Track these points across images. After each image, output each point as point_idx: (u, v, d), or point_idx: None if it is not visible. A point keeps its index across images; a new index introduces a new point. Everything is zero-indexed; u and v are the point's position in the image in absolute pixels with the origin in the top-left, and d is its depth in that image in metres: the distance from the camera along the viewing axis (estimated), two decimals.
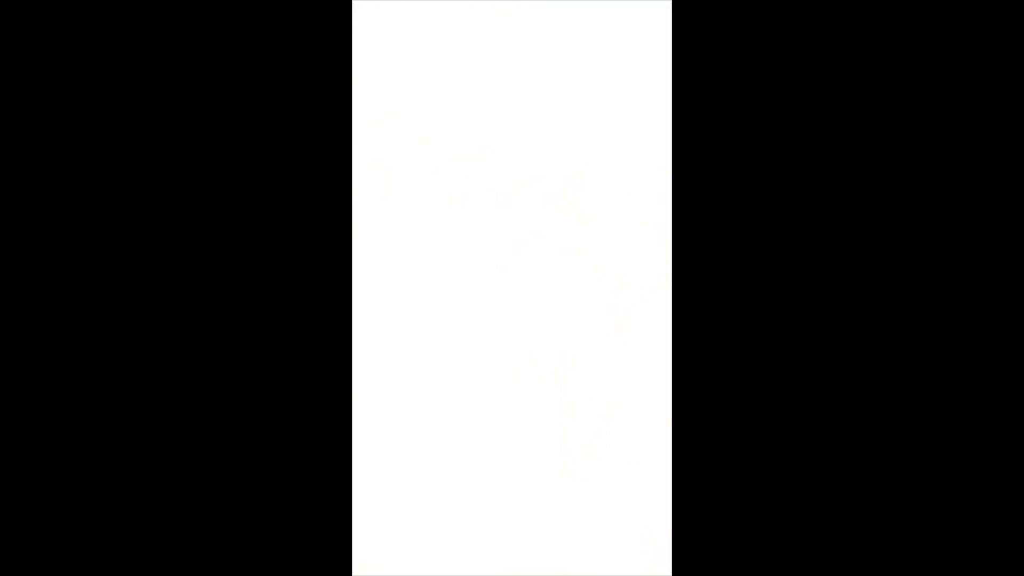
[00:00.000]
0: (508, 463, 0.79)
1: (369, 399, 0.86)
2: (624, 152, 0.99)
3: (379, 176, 1.00)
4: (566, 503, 0.72)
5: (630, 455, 0.76)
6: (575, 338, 0.80)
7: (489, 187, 1.06)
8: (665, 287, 0.64)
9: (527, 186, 0.80)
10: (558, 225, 0.76)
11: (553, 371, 0.79)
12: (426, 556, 0.63)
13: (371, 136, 0.96)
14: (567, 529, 0.68)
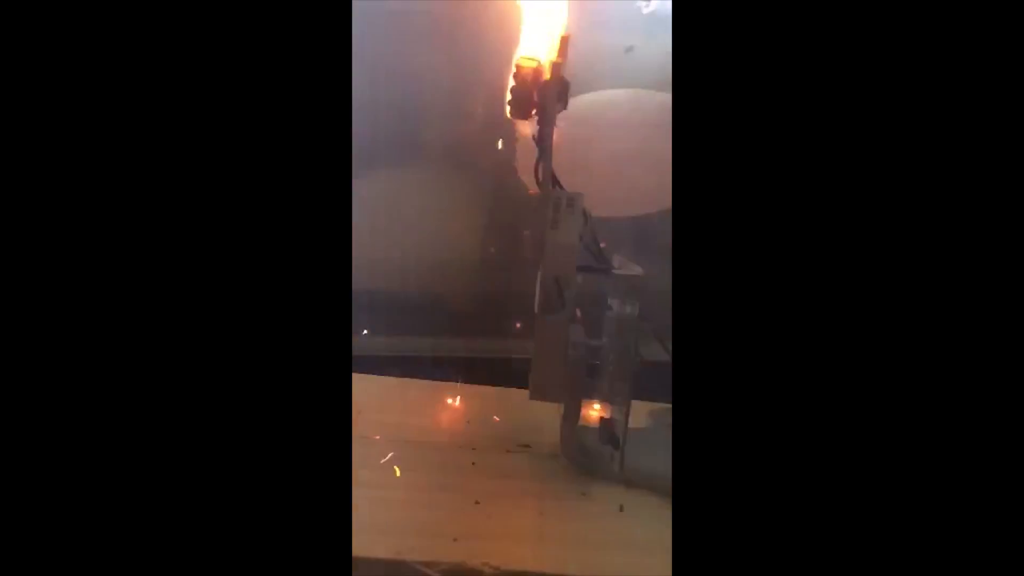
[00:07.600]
0: (507, 462, 0.79)
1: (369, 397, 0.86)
2: None
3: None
4: (565, 503, 0.72)
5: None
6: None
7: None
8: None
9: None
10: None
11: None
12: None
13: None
14: (567, 528, 0.68)
